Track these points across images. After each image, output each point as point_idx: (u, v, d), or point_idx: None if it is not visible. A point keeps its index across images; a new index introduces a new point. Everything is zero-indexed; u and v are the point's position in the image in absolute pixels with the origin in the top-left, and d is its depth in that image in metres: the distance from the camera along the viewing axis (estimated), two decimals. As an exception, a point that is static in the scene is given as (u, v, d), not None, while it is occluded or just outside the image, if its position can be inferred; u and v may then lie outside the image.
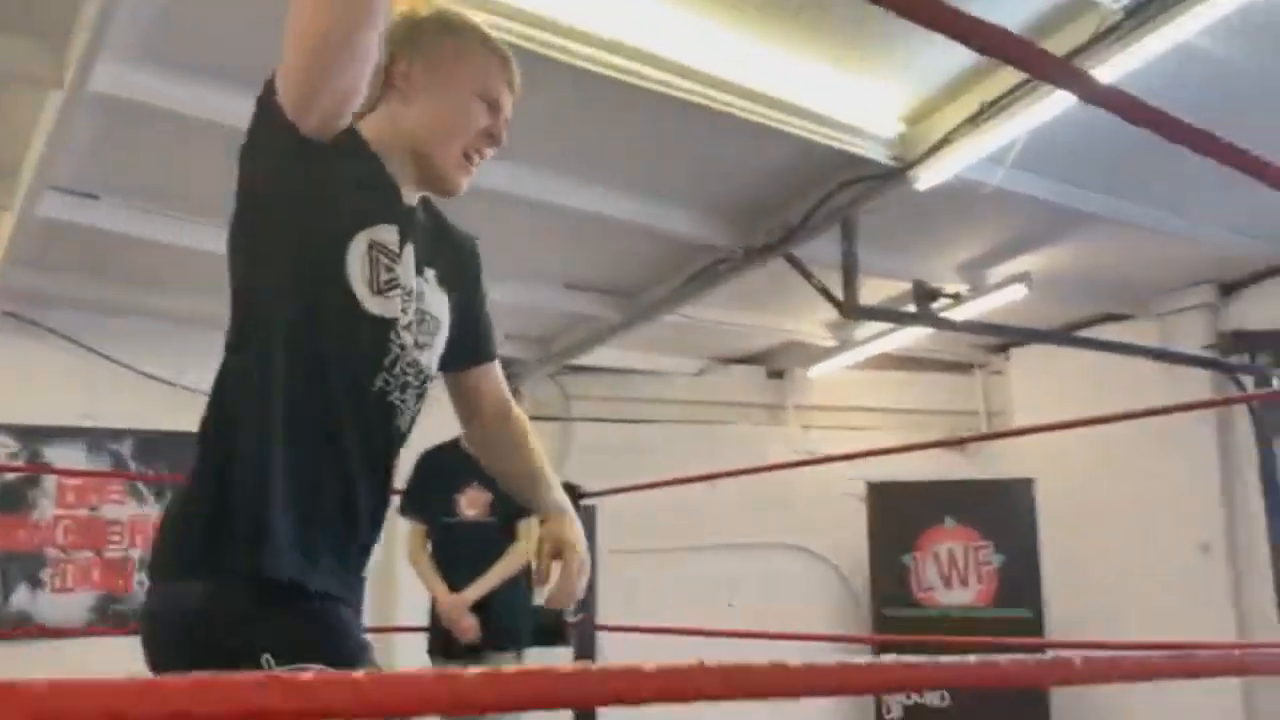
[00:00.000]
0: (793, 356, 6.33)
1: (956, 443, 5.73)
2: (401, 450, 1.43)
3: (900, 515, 5.96)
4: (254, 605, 1.24)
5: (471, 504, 3.59)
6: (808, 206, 4.11)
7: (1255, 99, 3.69)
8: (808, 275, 4.23)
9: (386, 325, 1.34)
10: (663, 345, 6.16)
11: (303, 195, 1.29)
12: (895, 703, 5.69)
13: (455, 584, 3.51)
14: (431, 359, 1.43)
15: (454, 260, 1.50)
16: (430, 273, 1.43)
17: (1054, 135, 3.79)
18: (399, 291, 1.34)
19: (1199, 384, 5.73)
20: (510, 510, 3.39)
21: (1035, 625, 5.61)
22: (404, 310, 1.35)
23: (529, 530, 3.58)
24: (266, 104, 1.27)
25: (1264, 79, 3.63)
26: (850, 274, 4.04)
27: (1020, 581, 5.74)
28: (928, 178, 3.64)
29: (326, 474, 1.32)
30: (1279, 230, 5.22)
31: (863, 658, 0.73)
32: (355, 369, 1.33)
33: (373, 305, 1.32)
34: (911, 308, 4.71)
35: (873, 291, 4.70)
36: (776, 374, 6.52)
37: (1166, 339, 5.79)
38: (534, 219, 4.24)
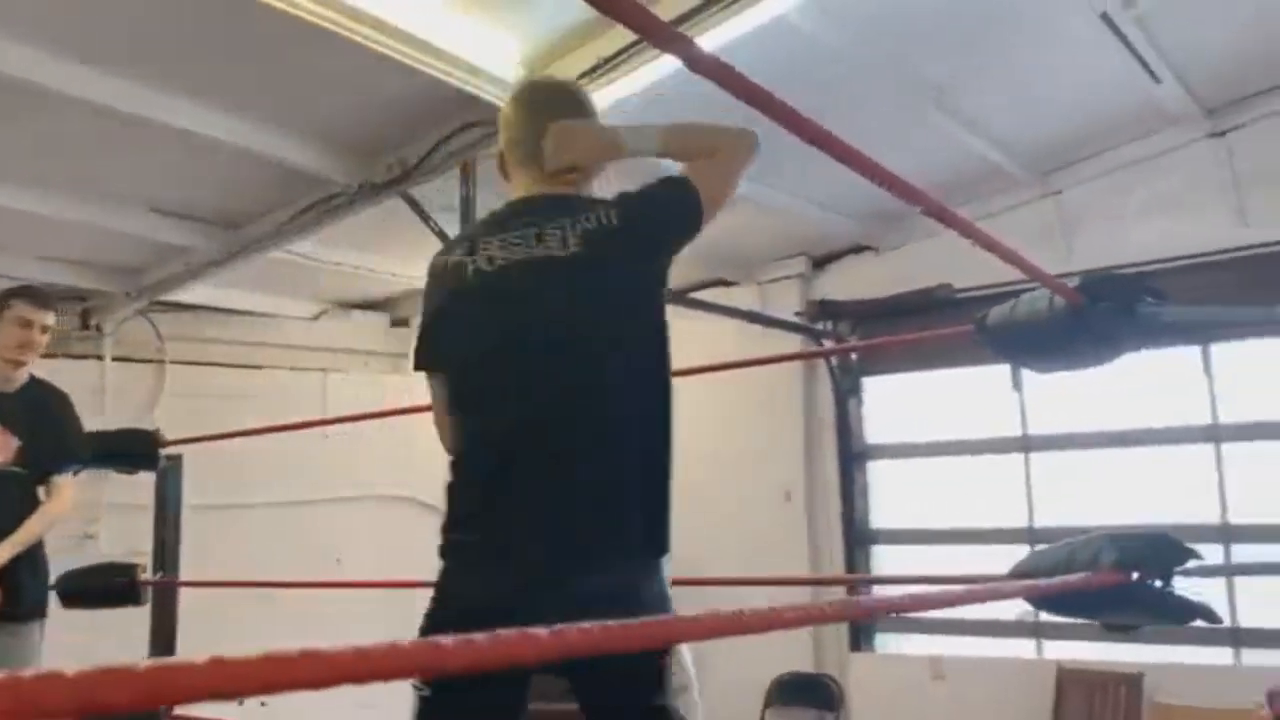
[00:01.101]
0: (417, 304, 6.15)
1: None
2: None
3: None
4: None
5: (-5, 447, 3.11)
6: (428, 146, 3.96)
7: (843, 79, 4.01)
8: (425, 217, 4.09)
9: None
10: (276, 286, 5.77)
11: None
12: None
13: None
14: None
15: None
16: None
17: (672, 98, 3.91)
18: None
19: (792, 347, 6.27)
20: (44, 459, 2.97)
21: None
22: None
23: (60, 487, 3.19)
24: (696, 214, 1.86)
25: (851, 59, 3.96)
26: (467, 219, 3.96)
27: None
28: (545, 126, 3.62)
29: None
30: (859, 210, 5.80)
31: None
32: None
33: None
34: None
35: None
36: (401, 322, 6.32)
37: (765, 305, 6.27)
38: (115, 131, 3.75)
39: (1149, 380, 5.27)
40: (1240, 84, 4.79)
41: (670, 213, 1.85)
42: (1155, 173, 5.14)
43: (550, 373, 1.70)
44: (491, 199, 4.25)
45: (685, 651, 1.80)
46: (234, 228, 4.80)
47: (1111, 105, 4.84)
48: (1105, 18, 3.83)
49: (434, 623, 1.68)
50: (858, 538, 6.02)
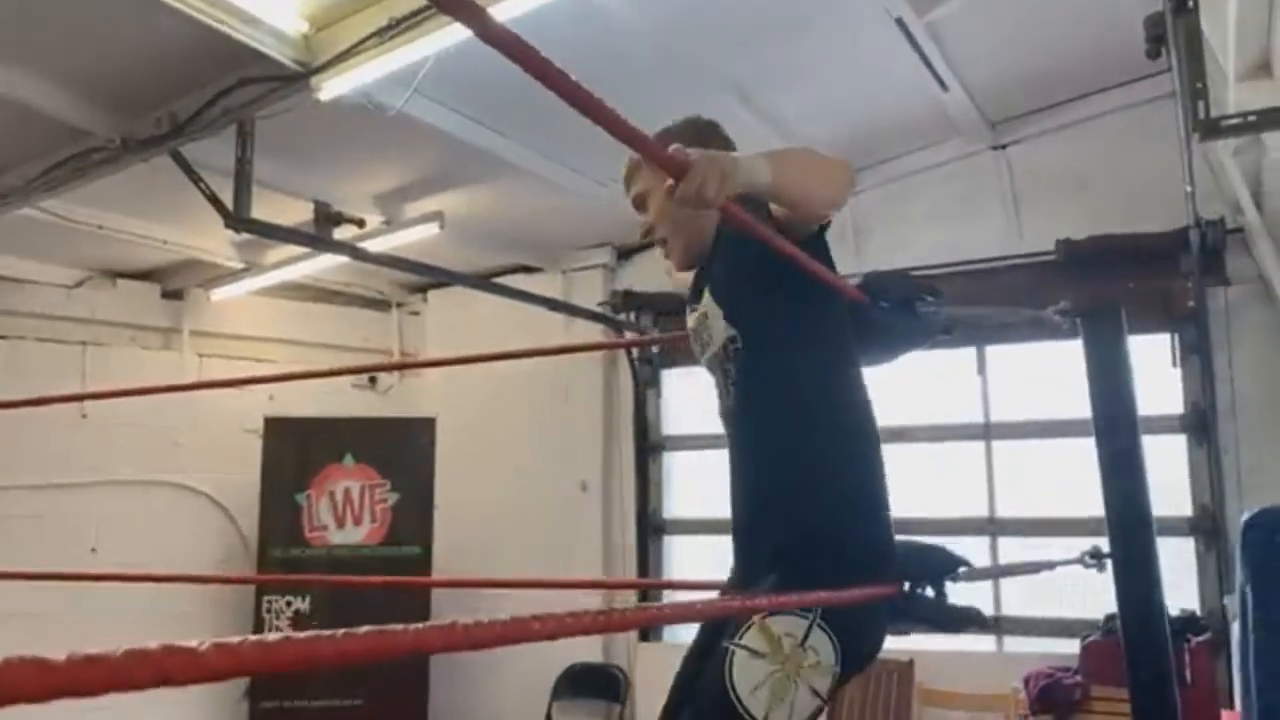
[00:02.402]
0: (193, 276, 5.73)
1: (339, 373, 5.57)
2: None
3: (298, 453, 5.70)
4: None
5: None
6: (201, 101, 3.65)
7: (647, 68, 3.96)
8: (195, 178, 3.77)
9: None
10: (32, 250, 5.23)
11: None
12: (277, 647, 5.42)
13: None
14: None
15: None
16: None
17: (471, 70, 3.75)
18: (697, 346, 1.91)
19: (594, 337, 6.22)
20: None
21: (424, 562, 5.69)
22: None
23: None
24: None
25: (656, 47, 3.91)
26: (243, 182, 3.67)
27: (412, 519, 5.78)
28: (331, 88, 3.39)
29: None
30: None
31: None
32: None
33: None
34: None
35: (280, 211, 4.35)
36: (174, 294, 5.85)
37: (569, 293, 6.19)
38: None
39: (925, 378, 5.51)
40: (1021, 100, 5.04)
41: None
42: (942, 180, 5.37)
43: None
44: (269, 164, 4.00)
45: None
46: (-25, 181, 4.29)
47: (904, 111, 5.00)
48: (900, 23, 3.92)
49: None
50: (650, 528, 6.03)
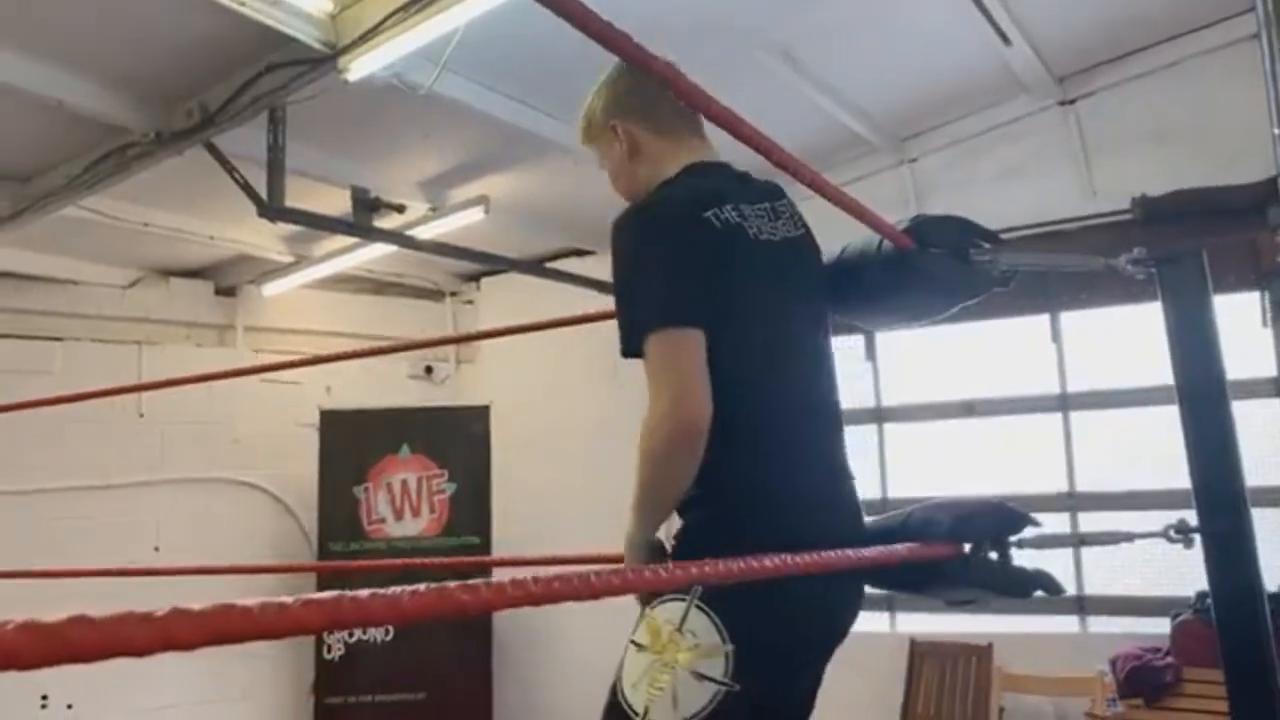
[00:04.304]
0: (245, 272, 5.71)
1: (382, 352, 5.51)
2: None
3: (354, 445, 5.66)
4: None
5: None
6: (231, 90, 3.58)
7: (688, 31, 3.79)
8: (230, 168, 3.70)
9: None
10: (84, 251, 5.25)
11: None
12: (337, 640, 5.41)
13: None
14: None
15: None
16: None
17: (504, 47, 3.63)
18: None
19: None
20: None
21: (483, 552, 5.62)
22: None
23: None
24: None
25: (695, 10, 3.74)
26: (276, 170, 3.59)
27: (469, 509, 5.70)
28: (358, 67, 3.29)
29: None
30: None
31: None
32: None
33: None
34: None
35: (319, 200, 4.28)
36: (227, 291, 5.85)
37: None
38: None
39: (996, 349, 5.27)
40: (1089, 52, 4.77)
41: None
42: (1006, 140, 5.11)
43: (812, 351, 1.75)
44: (302, 148, 3.93)
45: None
46: (22, 181, 4.29)
47: (964, 70, 4.76)
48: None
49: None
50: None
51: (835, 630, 1.72)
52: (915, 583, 1.67)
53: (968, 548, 1.62)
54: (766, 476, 1.65)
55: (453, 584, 0.73)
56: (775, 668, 1.59)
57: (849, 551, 1.45)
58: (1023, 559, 1.70)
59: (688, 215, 1.64)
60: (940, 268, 1.67)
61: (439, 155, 4.70)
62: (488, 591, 0.76)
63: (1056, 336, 5.08)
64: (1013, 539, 1.61)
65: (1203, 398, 1.85)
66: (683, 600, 1.52)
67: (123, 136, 3.88)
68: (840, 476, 1.76)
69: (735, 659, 1.49)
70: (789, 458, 1.67)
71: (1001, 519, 1.62)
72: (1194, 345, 1.84)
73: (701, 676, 1.49)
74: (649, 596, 1.57)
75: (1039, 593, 1.58)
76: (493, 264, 5.51)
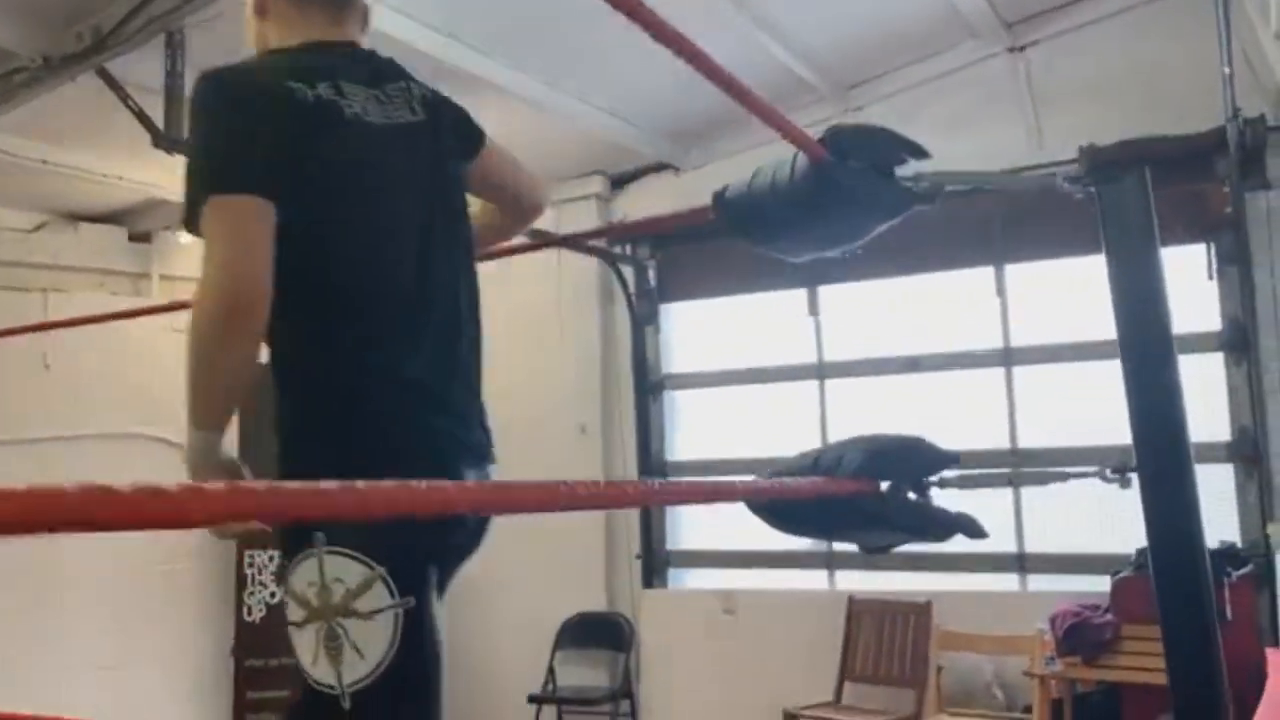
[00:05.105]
0: (159, 218, 5.42)
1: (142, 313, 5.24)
2: None
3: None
4: None
5: None
6: (125, 9, 3.31)
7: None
8: (124, 95, 3.44)
9: None
10: (-15, 192, 4.94)
11: None
12: (258, 602, 5.23)
13: None
14: None
15: None
16: None
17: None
18: None
19: (587, 271, 5.88)
20: None
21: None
22: None
23: None
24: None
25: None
26: (174, 99, 3.34)
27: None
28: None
29: None
30: (659, 125, 5.44)
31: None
32: None
33: None
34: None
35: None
36: (141, 237, 5.55)
37: (559, 226, 5.84)
38: None
39: (942, 302, 5.15)
40: (1040, -5, 4.62)
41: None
42: (954, 88, 4.97)
43: (422, 242, 1.63)
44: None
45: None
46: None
47: (912, 13, 4.61)
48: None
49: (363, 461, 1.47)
50: (653, 471, 5.72)
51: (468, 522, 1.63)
52: (825, 525, 1.52)
53: (885, 486, 1.47)
54: (360, 374, 1.53)
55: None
56: (427, 565, 1.53)
57: (754, 483, 1.30)
58: (946, 502, 1.55)
59: (268, 84, 1.55)
60: (859, 182, 1.50)
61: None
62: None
63: (1001, 290, 4.98)
64: (933, 478, 1.46)
65: (1144, 325, 1.71)
66: (313, 556, 1.41)
67: (9, 61, 3.60)
68: (461, 384, 1.65)
69: (394, 575, 1.41)
70: (389, 354, 1.55)
71: (921, 456, 1.47)
72: (1135, 272, 1.69)
73: (370, 614, 1.40)
74: (284, 569, 1.48)
75: (959, 535, 1.43)
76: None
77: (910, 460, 1.46)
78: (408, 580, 1.43)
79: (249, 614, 5.24)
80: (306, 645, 1.42)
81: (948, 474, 1.52)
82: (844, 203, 1.53)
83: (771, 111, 1.48)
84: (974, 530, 1.44)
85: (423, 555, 1.50)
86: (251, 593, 5.23)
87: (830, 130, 1.55)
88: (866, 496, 1.41)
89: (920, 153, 1.59)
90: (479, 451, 1.68)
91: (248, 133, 1.51)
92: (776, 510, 1.56)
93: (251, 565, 5.24)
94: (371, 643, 1.39)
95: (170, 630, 5.27)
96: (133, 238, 5.53)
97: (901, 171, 1.60)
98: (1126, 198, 1.68)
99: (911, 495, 1.50)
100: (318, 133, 1.54)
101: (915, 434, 1.50)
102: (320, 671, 1.41)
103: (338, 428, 1.53)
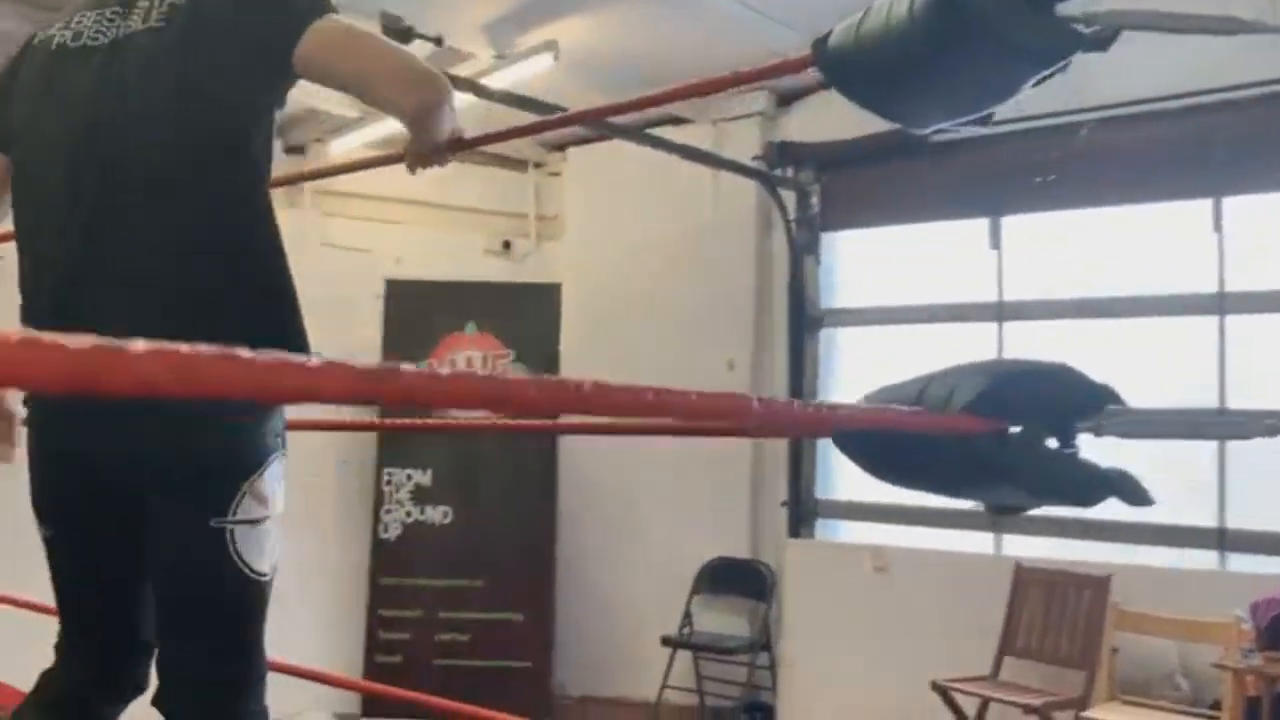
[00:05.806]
0: (312, 130, 5.37)
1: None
2: None
3: (419, 319, 5.35)
4: None
5: None
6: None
7: None
8: None
9: None
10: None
11: None
12: (395, 520, 5.18)
13: None
14: None
15: None
16: None
17: None
18: None
19: (745, 196, 5.50)
20: None
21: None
22: None
23: None
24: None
25: None
26: None
27: (536, 392, 5.34)
28: None
29: None
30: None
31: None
32: None
33: None
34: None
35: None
36: (296, 149, 5.52)
37: (720, 146, 5.47)
38: None
39: (1146, 238, 4.51)
40: None
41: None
42: None
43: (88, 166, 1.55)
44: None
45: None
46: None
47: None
48: None
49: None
50: (805, 413, 5.33)
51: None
52: (930, 474, 1.14)
53: (1015, 430, 1.08)
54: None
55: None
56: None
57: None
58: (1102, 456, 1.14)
59: (32, 36, 1.66)
60: (1002, 10, 1.10)
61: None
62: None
63: (1218, 226, 4.29)
64: (1079, 422, 1.06)
65: None
66: (283, 456, 1.62)
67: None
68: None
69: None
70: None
71: (1066, 391, 1.07)
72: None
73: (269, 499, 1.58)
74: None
75: (1112, 499, 1.03)
76: (559, 121, 5.02)
77: (1048, 396, 1.07)
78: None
79: (384, 530, 5.21)
80: (257, 544, 1.54)
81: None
82: (980, 41, 1.12)
83: None
84: (1134, 494, 1.04)
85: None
86: (389, 510, 5.20)
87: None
88: (980, 438, 1.03)
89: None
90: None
91: None
92: (869, 449, 1.20)
93: (389, 483, 5.21)
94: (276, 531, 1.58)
95: (309, 542, 5.32)
96: (288, 150, 5.48)
97: (1065, 9, 1.18)
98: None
99: (1052, 443, 1.10)
100: (16, 74, 1.64)
101: (1058, 361, 1.10)
102: (265, 563, 1.57)
103: None
